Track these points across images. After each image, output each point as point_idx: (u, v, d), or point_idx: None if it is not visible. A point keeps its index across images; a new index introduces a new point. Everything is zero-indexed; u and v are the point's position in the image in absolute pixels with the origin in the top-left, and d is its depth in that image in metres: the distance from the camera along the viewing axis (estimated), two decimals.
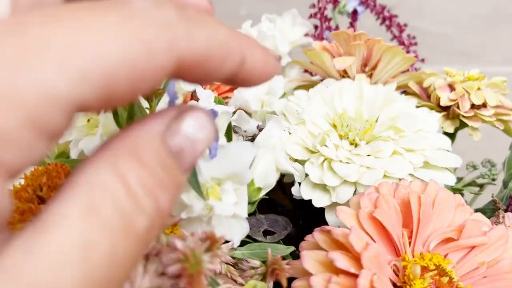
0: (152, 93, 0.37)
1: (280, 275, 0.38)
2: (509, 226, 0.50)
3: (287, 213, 0.54)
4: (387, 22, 0.68)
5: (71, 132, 0.46)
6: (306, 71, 0.67)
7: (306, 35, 0.66)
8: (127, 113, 0.35)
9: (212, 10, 0.26)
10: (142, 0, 0.19)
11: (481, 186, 0.56)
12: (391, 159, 0.46)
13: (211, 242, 0.31)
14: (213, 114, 0.37)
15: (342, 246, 0.41)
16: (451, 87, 0.55)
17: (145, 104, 0.38)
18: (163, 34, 0.19)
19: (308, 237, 0.46)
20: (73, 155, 0.47)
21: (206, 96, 0.46)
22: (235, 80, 0.23)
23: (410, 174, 0.47)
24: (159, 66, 0.19)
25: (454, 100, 0.54)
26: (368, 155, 0.47)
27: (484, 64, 0.98)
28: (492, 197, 0.52)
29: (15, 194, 0.40)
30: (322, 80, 0.61)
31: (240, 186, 0.40)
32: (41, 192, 0.40)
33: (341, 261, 0.39)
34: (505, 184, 0.54)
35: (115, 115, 0.35)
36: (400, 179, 0.46)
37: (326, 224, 0.50)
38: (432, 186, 0.46)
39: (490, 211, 0.53)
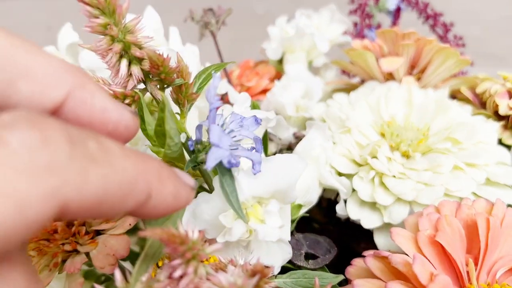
0: (185, 98, 0.32)
1: None
2: None
3: (325, 232, 0.49)
4: (430, 21, 0.62)
5: None
6: (344, 72, 0.62)
7: (345, 33, 0.61)
8: (156, 121, 0.30)
9: (135, 128, 0.24)
10: (24, 136, 0.17)
11: None
12: (452, 175, 0.41)
13: (260, 277, 0.27)
14: (256, 122, 0.32)
15: (400, 275, 0.36)
16: (511, 94, 0.50)
17: (176, 109, 0.33)
18: (41, 181, 0.16)
19: (356, 262, 0.40)
20: None
21: (242, 100, 0.41)
22: (137, 214, 0.21)
23: (473, 193, 0.41)
24: (32, 219, 0.16)
25: None
26: (426, 170, 0.41)
27: None
28: None
29: None
30: (362, 83, 0.55)
31: (284, 205, 0.35)
32: None
33: None
34: None
35: (142, 123, 0.30)
36: (461, 198, 0.41)
37: (368, 242, 0.45)
38: (499, 206, 0.40)
39: None
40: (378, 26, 0.62)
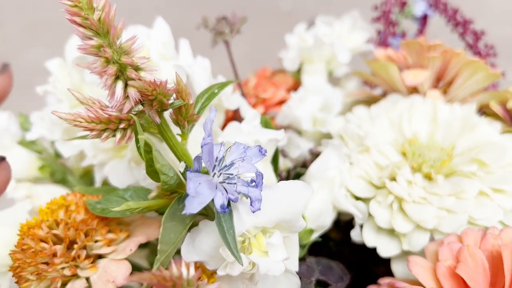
0: (185, 119, 0.31)
1: None
2: None
3: (341, 254, 0.47)
4: (460, 29, 0.59)
5: (96, 154, 0.40)
6: (366, 83, 0.60)
7: (368, 41, 0.58)
8: (145, 163, 0.29)
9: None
10: None
11: None
12: (477, 202, 0.39)
13: None
14: (260, 153, 0.31)
15: None
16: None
17: (176, 130, 0.32)
18: None
19: None
20: (98, 180, 0.42)
21: (251, 118, 0.39)
22: None
23: (500, 221, 0.39)
24: None
25: None
26: (449, 195, 0.39)
27: None
28: None
29: (28, 230, 0.35)
30: (385, 95, 0.53)
31: (290, 234, 0.33)
32: (57, 229, 0.35)
33: None
34: None
35: (139, 148, 0.29)
36: (487, 227, 0.38)
37: (387, 265, 0.43)
38: None
39: None
40: (403, 34, 0.59)
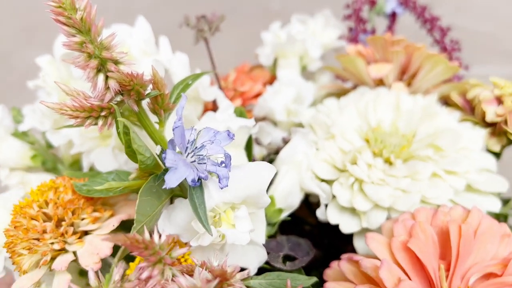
0: (161, 108, 0.34)
1: None
2: None
3: (311, 232, 0.51)
4: (428, 25, 0.63)
5: (83, 142, 0.44)
6: (338, 77, 0.64)
7: (340, 38, 0.62)
8: (124, 144, 0.33)
9: None
10: None
11: None
12: (430, 182, 0.42)
13: (221, 279, 0.29)
14: (228, 137, 0.34)
15: (371, 280, 0.38)
16: (499, 100, 0.51)
17: (154, 118, 0.36)
18: None
19: (334, 264, 0.42)
20: (85, 166, 0.45)
21: (225, 107, 0.43)
22: None
23: (451, 200, 0.43)
24: None
25: (502, 116, 0.49)
26: (405, 177, 0.43)
27: None
28: None
29: (20, 210, 0.38)
30: (355, 88, 0.57)
31: (257, 210, 0.37)
32: (47, 208, 0.38)
33: None
34: None
35: (119, 135, 0.33)
36: (439, 205, 0.42)
37: (352, 244, 0.47)
38: (475, 214, 0.41)
39: None
40: (373, 31, 0.63)
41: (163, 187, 0.30)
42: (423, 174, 0.42)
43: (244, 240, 0.34)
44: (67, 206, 0.38)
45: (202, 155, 0.33)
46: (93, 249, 0.37)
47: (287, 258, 0.42)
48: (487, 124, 0.51)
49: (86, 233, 0.40)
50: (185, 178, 0.31)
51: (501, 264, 0.40)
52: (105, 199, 0.42)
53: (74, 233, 0.38)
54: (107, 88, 0.31)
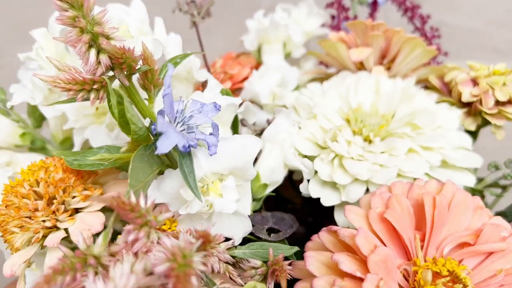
0: (151, 83, 0.35)
1: (280, 276, 0.36)
2: None
3: (296, 211, 0.53)
4: (409, 13, 0.65)
5: (78, 118, 0.44)
6: (321, 63, 0.65)
7: (323, 25, 0.64)
8: (117, 114, 0.34)
9: None
10: None
11: (504, 187, 0.53)
12: (407, 157, 0.44)
13: (204, 242, 0.30)
14: (215, 108, 0.36)
15: (349, 248, 0.39)
16: (474, 82, 0.52)
17: (144, 95, 0.37)
18: None
19: (314, 237, 0.44)
20: (77, 143, 0.46)
21: (213, 86, 0.44)
22: None
23: (427, 174, 0.44)
24: None
25: (477, 96, 0.51)
26: (382, 153, 0.44)
27: None
28: None
29: (11, 189, 0.39)
30: (338, 73, 0.58)
31: (243, 182, 0.38)
32: (38, 187, 0.39)
33: (347, 264, 0.37)
34: None
35: (111, 108, 0.34)
36: (415, 179, 0.44)
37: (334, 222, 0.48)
38: (448, 187, 0.43)
39: None
40: (355, 18, 0.65)
41: (156, 152, 0.31)
42: (400, 150, 0.44)
43: (231, 208, 0.35)
44: (58, 185, 0.39)
45: (190, 124, 0.34)
46: (84, 226, 0.38)
47: (271, 232, 0.44)
48: (463, 105, 0.52)
49: (77, 211, 0.41)
50: (176, 146, 0.32)
51: (474, 235, 0.42)
52: (94, 178, 0.43)
53: (65, 211, 0.39)
54: (98, 62, 0.32)
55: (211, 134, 0.35)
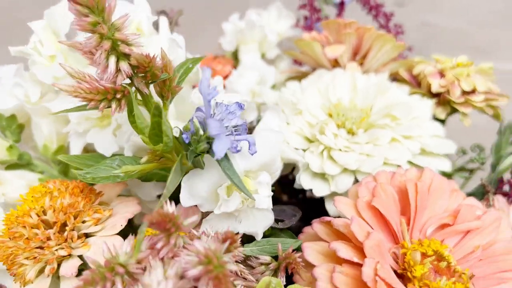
0: (169, 91, 0.34)
1: (297, 268, 0.37)
2: (498, 209, 0.50)
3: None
4: (373, 12, 0.67)
5: (80, 121, 0.41)
6: (296, 62, 0.66)
7: (296, 26, 0.65)
8: (150, 126, 0.33)
9: None
10: None
11: (471, 170, 0.56)
12: (390, 147, 0.46)
13: (231, 242, 0.30)
14: (239, 107, 0.35)
15: (343, 236, 0.41)
16: (441, 74, 0.55)
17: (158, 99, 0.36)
18: None
19: (307, 229, 0.45)
20: (77, 148, 0.43)
21: (218, 83, 0.44)
22: None
23: (409, 162, 0.46)
24: None
25: (445, 87, 0.54)
26: (367, 143, 0.46)
27: (498, 60, 0.96)
28: (481, 181, 0.51)
29: (16, 219, 0.36)
30: (313, 71, 0.60)
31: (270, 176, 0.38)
32: (45, 215, 0.37)
33: (344, 251, 0.38)
34: (493, 168, 0.54)
35: (131, 117, 0.33)
36: (398, 166, 0.46)
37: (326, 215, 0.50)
38: (427, 173, 0.45)
39: (480, 194, 0.52)
40: (326, 18, 0.66)
41: (215, 158, 0.31)
42: (383, 140, 0.46)
43: (267, 204, 0.36)
44: (68, 211, 0.37)
45: (228, 126, 0.34)
46: (101, 250, 0.37)
47: (277, 221, 0.44)
48: (432, 95, 0.55)
49: (86, 235, 0.38)
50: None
51: (452, 215, 0.44)
52: (101, 198, 0.41)
53: (78, 237, 0.37)
54: (118, 70, 0.31)
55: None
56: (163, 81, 0.34)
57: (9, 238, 0.36)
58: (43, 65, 0.40)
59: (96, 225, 0.38)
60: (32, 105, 0.42)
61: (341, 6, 0.67)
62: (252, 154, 0.34)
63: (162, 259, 0.28)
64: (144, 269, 0.28)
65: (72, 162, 0.39)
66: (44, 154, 0.45)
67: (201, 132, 0.34)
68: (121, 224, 0.37)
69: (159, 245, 0.28)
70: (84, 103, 0.32)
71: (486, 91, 0.54)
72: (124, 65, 0.31)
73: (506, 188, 0.52)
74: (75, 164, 0.38)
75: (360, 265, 0.39)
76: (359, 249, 0.39)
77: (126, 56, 0.31)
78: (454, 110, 0.54)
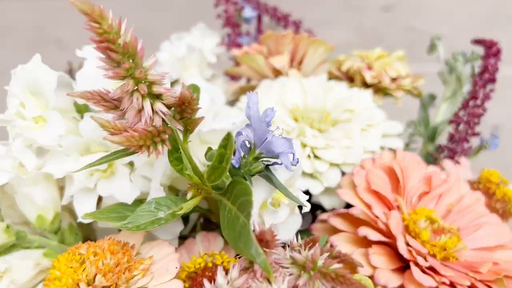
0: (194, 123, 0.32)
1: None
2: (448, 171, 0.57)
3: None
4: (282, 22, 0.71)
5: (88, 176, 0.38)
6: (232, 78, 0.67)
7: (222, 44, 0.66)
8: (216, 157, 0.32)
9: None
10: None
11: (407, 144, 0.63)
12: (362, 136, 0.50)
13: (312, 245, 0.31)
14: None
15: (360, 222, 0.43)
16: (369, 67, 0.61)
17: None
18: None
19: (315, 226, 0.47)
20: (88, 205, 0.39)
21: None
22: None
23: (381, 147, 0.51)
24: None
25: (376, 77, 0.59)
26: (343, 137, 0.49)
27: None
28: (428, 152, 0.58)
29: None
30: (248, 82, 0.61)
31: None
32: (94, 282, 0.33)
33: (373, 234, 0.41)
34: (427, 138, 0.62)
35: (175, 161, 0.33)
36: (373, 152, 0.50)
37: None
38: (399, 153, 0.50)
39: (428, 163, 0.59)
40: (247, 33, 0.68)
41: (290, 168, 0.32)
42: (356, 132, 0.49)
43: (308, 207, 0.36)
44: (116, 271, 0.33)
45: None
46: None
47: None
48: (367, 86, 0.61)
49: None
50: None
51: (427, 184, 0.49)
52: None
53: None
54: (154, 112, 0.29)
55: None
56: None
57: None
58: (30, 128, 0.36)
59: (144, 276, 0.34)
60: (27, 175, 0.37)
61: (259, 20, 0.69)
62: (295, 165, 0.34)
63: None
64: None
65: (97, 218, 0.36)
66: (40, 226, 0.40)
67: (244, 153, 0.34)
68: (175, 266, 0.34)
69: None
70: (118, 150, 0.31)
71: (408, 74, 0.61)
72: (160, 106, 0.30)
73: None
74: (102, 219, 0.36)
75: (385, 243, 0.42)
76: (379, 230, 0.42)
77: (159, 97, 0.30)
78: (386, 95, 0.61)
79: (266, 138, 0.33)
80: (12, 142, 0.36)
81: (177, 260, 0.35)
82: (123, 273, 0.33)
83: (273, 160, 0.34)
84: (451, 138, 0.57)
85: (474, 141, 0.59)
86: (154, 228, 0.34)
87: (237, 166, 0.33)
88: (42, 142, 0.35)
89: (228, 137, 0.30)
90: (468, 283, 0.39)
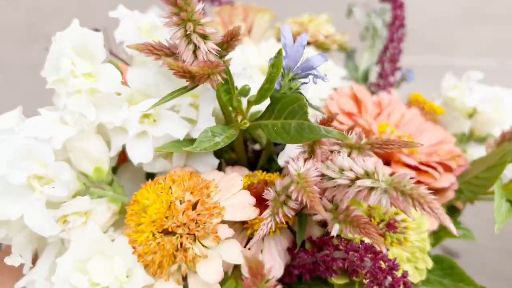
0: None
1: None
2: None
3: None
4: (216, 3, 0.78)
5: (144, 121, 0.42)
6: None
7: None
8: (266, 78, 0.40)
9: None
10: None
11: None
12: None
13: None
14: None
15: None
16: (305, 29, 0.71)
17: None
18: None
19: None
20: (149, 150, 0.42)
21: None
22: None
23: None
24: None
25: (313, 37, 0.70)
26: None
27: (454, 57, 1.01)
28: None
29: (162, 220, 0.36)
30: None
31: None
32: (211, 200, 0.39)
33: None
34: (363, 79, 0.74)
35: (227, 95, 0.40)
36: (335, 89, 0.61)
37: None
38: (355, 86, 0.61)
39: None
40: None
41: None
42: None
43: None
44: (198, 188, 0.38)
45: None
46: (237, 207, 0.39)
47: None
48: (308, 44, 0.71)
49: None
50: None
51: (378, 107, 0.61)
52: None
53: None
54: (208, 51, 0.36)
55: None
56: None
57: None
58: (85, 84, 0.39)
59: (217, 193, 0.39)
60: (90, 125, 0.40)
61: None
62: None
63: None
64: None
65: (175, 150, 0.41)
66: (98, 178, 0.42)
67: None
68: (241, 179, 0.40)
69: None
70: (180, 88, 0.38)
71: (335, 33, 0.73)
72: (211, 44, 0.37)
73: None
74: (180, 151, 0.41)
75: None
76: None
77: (209, 36, 0.37)
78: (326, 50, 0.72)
79: (302, 59, 0.41)
80: (65, 101, 0.39)
81: (239, 175, 0.41)
82: (204, 190, 0.38)
83: (302, 80, 0.42)
84: (380, 75, 0.70)
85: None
86: (217, 149, 0.39)
87: (278, 88, 0.41)
88: (105, 90, 0.38)
89: (278, 54, 0.38)
90: (437, 159, 0.51)
